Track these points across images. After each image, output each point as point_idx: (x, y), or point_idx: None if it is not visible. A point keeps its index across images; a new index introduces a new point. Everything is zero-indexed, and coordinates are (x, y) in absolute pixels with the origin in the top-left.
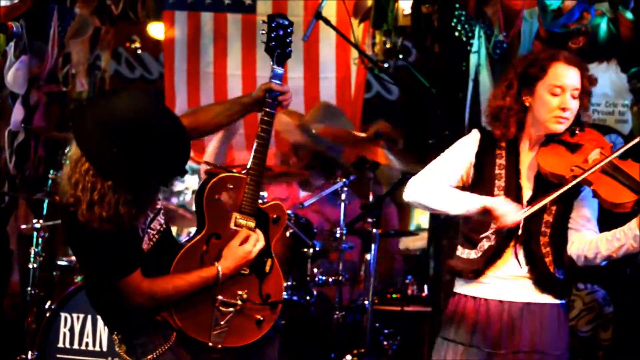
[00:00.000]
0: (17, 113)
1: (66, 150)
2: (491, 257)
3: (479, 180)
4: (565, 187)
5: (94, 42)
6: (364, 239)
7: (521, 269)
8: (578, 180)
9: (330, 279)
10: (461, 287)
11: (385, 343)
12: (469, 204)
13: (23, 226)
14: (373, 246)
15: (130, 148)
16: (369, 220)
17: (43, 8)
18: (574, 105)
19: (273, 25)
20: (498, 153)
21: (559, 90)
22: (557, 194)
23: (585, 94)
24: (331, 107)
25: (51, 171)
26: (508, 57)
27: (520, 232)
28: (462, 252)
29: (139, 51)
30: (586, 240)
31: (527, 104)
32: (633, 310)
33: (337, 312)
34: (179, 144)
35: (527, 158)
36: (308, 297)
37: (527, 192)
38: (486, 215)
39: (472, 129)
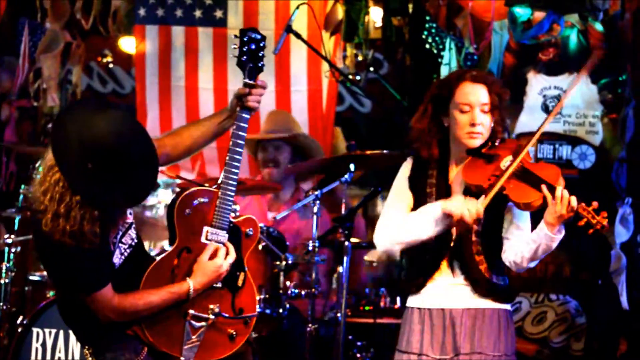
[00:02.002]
0: None
1: (37, 165)
2: (428, 270)
3: (414, 202)
4: (490, 195)
5: (65, 57)
6: (335, 251)
7: (456, 278)
8: (496, 188)
9: (303, 292)
10: (409, 301)
11: (358, 355)
12: (432, 217)
13: None
14: (345, 258)
15: (104, 167)
16: (341, 231)
17: (13, 23)
18: (485, 119)
19: (245, 39)
20: (430, 173)
21: (468, 108)
22: (489, 199)
23: (496, 108)
24: (280, 114)
25: (22, 186)
26: (479, 69)
27: (452, 244)
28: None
29: (111, 65)
30: (514, 246)
31: (446, 125)
32: (605, 321)
33: (310, 325)
34: (149, 169)
35: (454, 174)
36: (281, 310)
37: None
38: (449, 219)
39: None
